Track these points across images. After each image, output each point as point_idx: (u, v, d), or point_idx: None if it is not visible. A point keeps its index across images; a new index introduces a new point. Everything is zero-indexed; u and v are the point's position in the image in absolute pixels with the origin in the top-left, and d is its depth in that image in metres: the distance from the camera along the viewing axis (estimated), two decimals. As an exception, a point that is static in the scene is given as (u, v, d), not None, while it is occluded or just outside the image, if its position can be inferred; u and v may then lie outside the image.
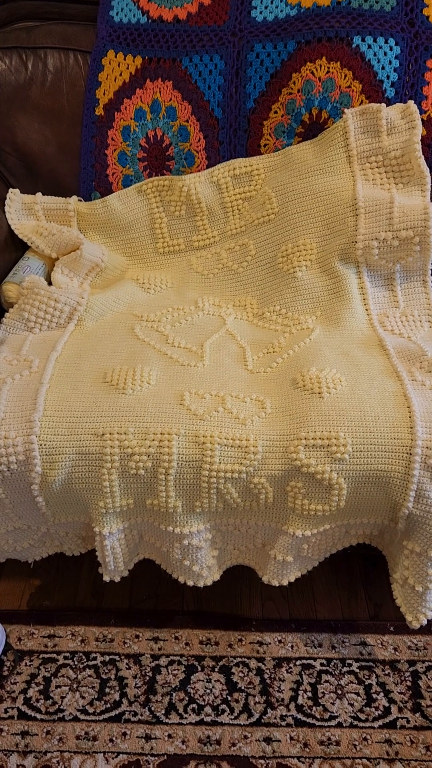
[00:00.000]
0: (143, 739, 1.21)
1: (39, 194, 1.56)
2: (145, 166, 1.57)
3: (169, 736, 1.22)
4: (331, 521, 1.17)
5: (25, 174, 1.58)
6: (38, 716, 1.24)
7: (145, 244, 1.59)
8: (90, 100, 1.54)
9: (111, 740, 1.21)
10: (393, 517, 1.15)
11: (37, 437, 1.10)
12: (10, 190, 1.55)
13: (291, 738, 1.22)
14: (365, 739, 1.22)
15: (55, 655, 1.34)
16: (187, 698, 1.27)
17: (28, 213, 1.56)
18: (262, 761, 1.18)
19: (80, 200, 1.59)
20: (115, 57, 1.53)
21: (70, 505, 1.18)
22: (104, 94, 1.54)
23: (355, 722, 1.24)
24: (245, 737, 1.22)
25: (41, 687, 1.29)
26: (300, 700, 1.27)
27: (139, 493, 1.14)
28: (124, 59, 1.53)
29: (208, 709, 1.26)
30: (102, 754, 1.19)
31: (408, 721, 1.24)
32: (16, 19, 1.57)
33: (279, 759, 1.19)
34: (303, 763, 1.18)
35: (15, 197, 1.54)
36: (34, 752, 1.19)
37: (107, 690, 1.28)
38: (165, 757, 1.19)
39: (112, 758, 1.18)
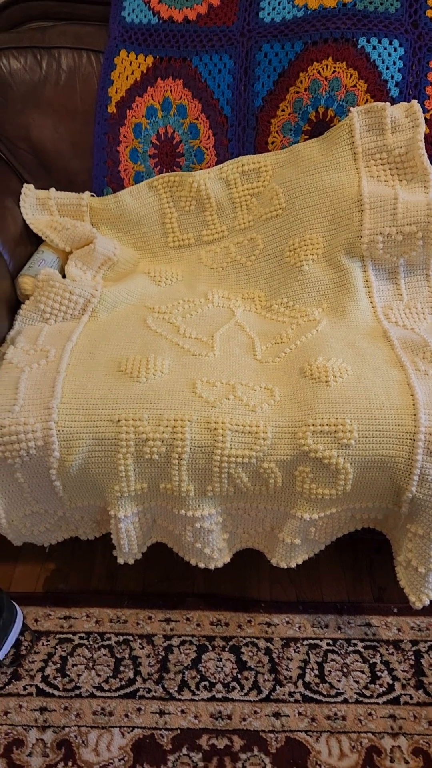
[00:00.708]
0: (157, 715, 1.26)
1: (53, 190, 1.60)
2: (156, 162, 1.61)
3: (182, 711, 1.26)
4: (337, 505, 1.21)
5: (39, 170, 1.62)
6: (56, 693, 1.29)
7: (156, 238, 1.63)
8: (102, 98, 1.58)
9: (126, 715, 1.25)
10: (397, 501, 1.19)
11: (55, 423, 1.14)
12: (25, 185, 1.59)
13: (299, 713, 1.26)
14: (370, 714, 1.27)
15: (71, 636, 1.38)
16: (198, 676, 1.32)
17: (42, 208, 1.60)
18: (272, 735, 1.23)
19: (93, 196, 1.63)
20: (127, 56, 1.57)
21: (86, 489, 1.22)
22: (116, 92, 1.58)
23: (361, 698, 1.29)
24: (255, 712, 1.26)
25: (58, 665, 1.33)
26: (307, 678, 1.32)
27: (153, 477, 1.18)
28: (136, 58, 1.57)
29: (219, 687, 1.30)
30: (118, 728, 1.23)
31: (411, 698, 1.29)
32: (29, 19, 1.61)
33: (288, 733, 1.23)
34: (311, 736, 1.23)
35: (29, 192, 1.58)
36: (52, 727, 1.23)
37: (122, 668, 1.33)
38: (179, 731, 1.23)
39: (128, 732, 1.23)
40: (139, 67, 1.57)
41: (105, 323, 1.40)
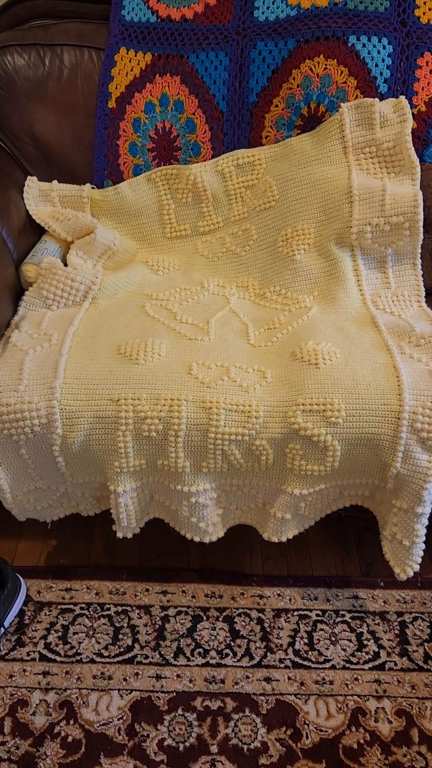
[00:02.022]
0: (154, 679, 1.32)
1: (55, 182, 1.65)
2: (154, 155, 1.67)
3: (178, 676, 1.33)
4: (326, 481, 1.27)
5: (42, 163, 1.67)
6: (58, 658, 1.35)
7: (154, 229, 1.69)
8: (103, 94, 1.64)
9: (125, 679, 1.32)
10: (383, 477, 1.25)
11: (58, 402, 1.20)
12: (28, 177, 1.65)
13: (289, 678, 1.33)
14: (356, 679, 1.33)
15: (72, 606, 1.45)
16: (193, 643, 1.38)
17: (45, 199, 1.65)
18: (263, 697, 1.30)
19: (93, 188, 1.68)
20: (127, 53, 1.63)
21: (87, 465, 1.28)
22: (116, 88, 1.64)
23: (348, 665, 1.35)
24: (247, 677, 1.33)
25: (60, 634, 1.40)
26: (297, 646, 1.38)
27: (151, 454, 1.24)
28: (135, 56, 1.63)
29: (213, 653, 1.37)
30: (117, 691, 1.30)
31: (395, 664, 1.36)
32: (33, 17, 1.67)
33: (278, 696, 1.30)
34: (300, 699, 1.30)
35: (33, 185, 1.64)
36: (55, 689, 1.30)
37: (120, 636, 1.39)
38: (174, 694, 1.30)
39: (126, 694, 1.29)
40: (138, 64, 1.63)
41: (105, 309, 1.46)
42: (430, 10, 1.51)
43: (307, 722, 1.26)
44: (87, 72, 1.64)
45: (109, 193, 1.67)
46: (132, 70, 1.63)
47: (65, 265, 1.56)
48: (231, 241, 1.64)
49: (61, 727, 1.24)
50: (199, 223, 1.67)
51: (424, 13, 1.51)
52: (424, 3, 1.50)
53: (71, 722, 1.25)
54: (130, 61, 1.63)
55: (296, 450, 1.22)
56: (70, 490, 1.36)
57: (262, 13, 1.58)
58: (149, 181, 1.66)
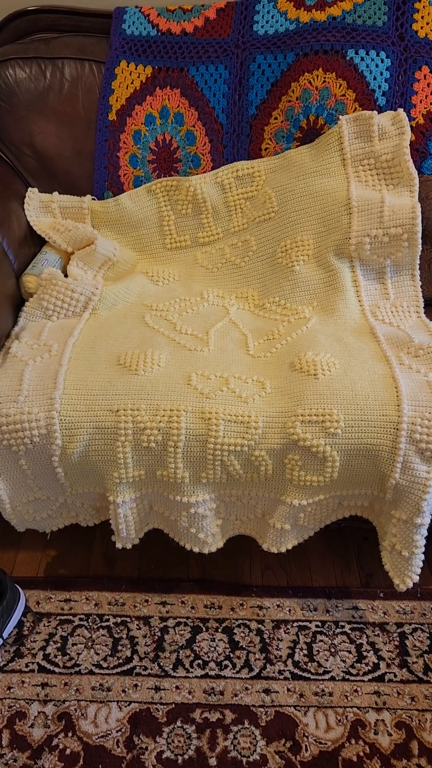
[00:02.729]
0: (153, 690, 1.32)
1: (56, 193, 1.66)
2: (155, 167, 1.68)
3: (177, 687, 1.32)
4: (325, 491, 1.27)
5: (43, 174, 1.68)
6: (56, 670, 1.35)
7: (154, 240, 1.70)
8: (104, 106, 1.65)
9: (123, 691, 1.32)
10: (382, 488, 1.25)
11: (57, 413, 1.21)
12: (29, 189, 1.66)
13: (288, 689, 1.33)
14: (356, 690, 1.33)
15: (71, 617, 1.45)
16: (192, 655, 1.38)
17: (46, 211, 1.66)
18: (262, 709, 1.29)
19: (94, 199, 1.69)
20: (127, 66, 1.64)
21: (86, 475, 1.28)
22: (117, 100, 1.65)
23: (347, 676, 1.35)
24: (246, 689, 1.32)
25: (59, 645, 1.39)
26: (296, 657, 1.38)
27: (150, 464, 1.24)
28: (136, 68, 1.64)
29: (212, 665, 1.36)
30: (116, 702, 1.30)
31: (395, 676, 1.35)
32: (35, 30, 1.68)
33: (277, 708, 1.30)
34: (299, 711, 1.29)
35: (34, 196, 1.65)
36: (53, 701, 1.29)
37: (119, 648, 1.39)
38: (173, 706, 1.29)
39: (125, 706, 1.29)
40: (138, 76, 1.64)
41: (105, 320, 1.46)
42: (427, 24, 1.52)
43: (306, 734, 1.25)
44: (88, 85, 1.65)
45: (110, 205, 1.68)
46: (132, 82, 1.64)
47: (65, 275, 1.57)
48: (231, 252, 1.65)
49: (59, 739, 1.24)
50: (199, 234, 1.68)
51: (421, 27, 1.52)
52: (422, 18, 1.52)
53: (69, 734, 1.24)
54: (130, 74, 1.64)
55: (295, 461, 1.22)
56: (69, 500, 1.36)
57: (262, 27, 1.59)
58: (149, 192, 1.67)
